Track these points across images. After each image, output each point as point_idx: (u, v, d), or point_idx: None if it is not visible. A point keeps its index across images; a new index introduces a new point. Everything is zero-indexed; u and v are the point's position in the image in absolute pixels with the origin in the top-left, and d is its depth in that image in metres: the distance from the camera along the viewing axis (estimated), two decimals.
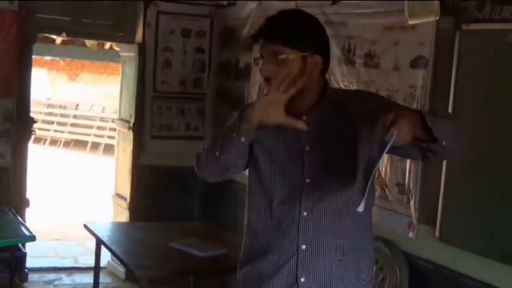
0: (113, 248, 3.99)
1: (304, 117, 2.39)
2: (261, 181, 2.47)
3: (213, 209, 6.16)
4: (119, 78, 6.62)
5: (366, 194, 2.18)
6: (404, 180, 3.87)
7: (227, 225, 5.55)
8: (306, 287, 2.40)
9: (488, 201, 3.37)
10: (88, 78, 19.10)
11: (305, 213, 2.37)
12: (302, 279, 2.40)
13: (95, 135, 16.48)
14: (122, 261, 3.85)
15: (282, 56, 2.31)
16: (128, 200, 6.20)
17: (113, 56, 8.66)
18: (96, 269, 4.41)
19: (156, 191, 6.26)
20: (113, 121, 10.09)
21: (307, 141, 2.41)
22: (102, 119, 16.88)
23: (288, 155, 2.43)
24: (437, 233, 3.63)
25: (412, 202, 3.83)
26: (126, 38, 6.26)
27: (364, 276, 2.46)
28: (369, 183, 2.17)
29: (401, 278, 3.82)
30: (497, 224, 3.30)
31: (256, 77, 5.49)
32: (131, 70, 6.26)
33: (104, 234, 4.29)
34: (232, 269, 3.88)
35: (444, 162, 3.58)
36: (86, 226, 4.47)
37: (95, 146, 16.32)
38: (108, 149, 15.01)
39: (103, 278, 5.19)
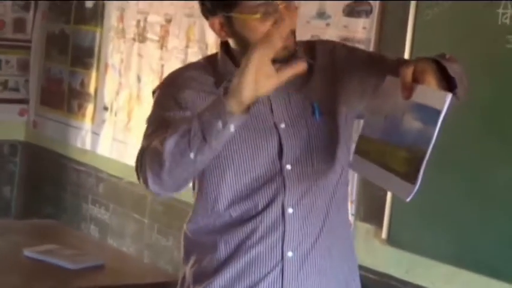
0: None
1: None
2: (223, 173, 2.06)
3: (41, 200, 5.25)
4: None
5: (418, 183, 1.76)
6: None
7: (67, 221, 4.74)
8: None
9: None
10: None
11: (290, 211, 2.05)
12: None
13: None
14: None
15: (296, 5, 2.10)
16: None
17: None
18: None
19: None
20: None
21: (282, 116, 2.08)
22: None
23: (259, 137, 2.06)
24: (383, 235, 3.16)
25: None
26: None
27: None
28: (422, 167, 1.74)
29: None
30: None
31: (112, 22, 4.67)
32: None
33: None
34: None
35: None
36: None
37: None
38: None
39: None
